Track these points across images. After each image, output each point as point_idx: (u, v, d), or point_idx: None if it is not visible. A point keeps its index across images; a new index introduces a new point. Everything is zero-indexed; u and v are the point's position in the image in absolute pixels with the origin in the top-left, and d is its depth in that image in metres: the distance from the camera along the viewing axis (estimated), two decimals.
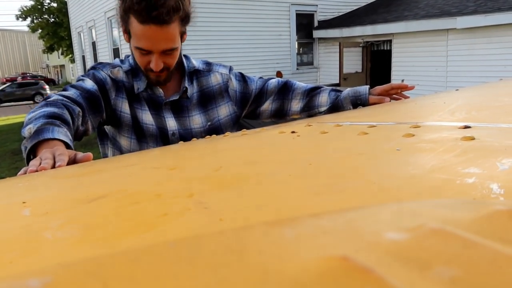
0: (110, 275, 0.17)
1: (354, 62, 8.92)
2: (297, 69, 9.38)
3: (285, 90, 1.23)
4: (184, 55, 1.16)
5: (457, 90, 1.26)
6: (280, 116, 1.26)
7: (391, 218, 0.22)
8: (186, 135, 1.13)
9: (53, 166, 0.66)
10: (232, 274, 0.16)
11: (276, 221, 0.22)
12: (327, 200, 0.33)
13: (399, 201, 0.30)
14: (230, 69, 1.23)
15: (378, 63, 9.47)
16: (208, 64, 1.21)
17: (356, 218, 0.22)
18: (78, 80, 1.06)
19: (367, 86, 1.18)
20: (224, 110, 1.18)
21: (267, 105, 1.23)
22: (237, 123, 1.23)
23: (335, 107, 1.19)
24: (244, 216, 0.30)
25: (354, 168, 0.43)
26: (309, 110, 1.22)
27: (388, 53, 8.25)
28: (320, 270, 0.16)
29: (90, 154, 0.72)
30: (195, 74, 1.17)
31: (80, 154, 0.72)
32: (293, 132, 0.70)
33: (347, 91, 1.19)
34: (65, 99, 0.94)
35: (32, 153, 0.77)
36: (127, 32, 1.00)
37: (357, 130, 0.64)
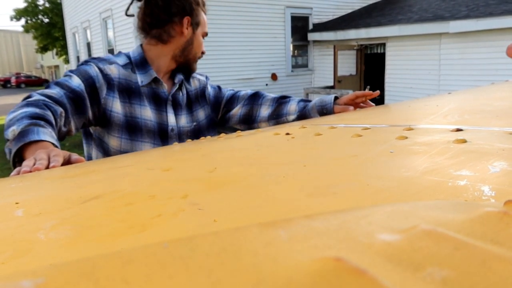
0: (103, 276, 0.17)
1: (348, 64, 8.96)
2: (292, 71, 9.40)
3: (255, 97, 1.29)
4: None
5: (450, 93, 1.27)
6: (249, 122, 1.29)
7: (384, 219, 0.22)
8: (178, 133, 1.17)
9: (47, 167, 0.65)
10: (226, 275, 0.16)
11: (270, 222, 0.22)
12: (321, 201, 0.33)
13: (392, 203, 0.31)
14: (206, 77, 1.33)
15: (372, 66, 9.53)
16: None
17: (349, 219, 0.22)
18: (65, 75, 1.02)
19: (333, 96, 1.22)
20: (202, 113, 1.25)
21: (237, 110, 1.28)
22: (214, 127, 1.29)
23: (302, 116, 1.22)
24: (238, 217, 0.31)
25: (348, 170, 0.43)
26: (278, 118, 1.25)
27: (382, 56, 8.31)
28: (313, 271, 0.16)
29: (82, 158, 0.72)
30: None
31: (74, 156, 0.72)
32: (287, 134, 0.71)
33: (315, 100, 1.24)
34: (46, 99, 0.90)
35: (18, 156, 0.75)
36: (192, 26, 1.13)
37: (351, 132, 0.64)
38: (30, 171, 0.63)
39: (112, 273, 0.17)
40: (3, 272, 0.24)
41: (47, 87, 0.98)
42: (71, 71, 1.04)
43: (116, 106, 1.06)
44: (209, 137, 0.94)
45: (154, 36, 1.12)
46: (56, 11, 18.81)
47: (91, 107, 1.02)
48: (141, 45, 1.15)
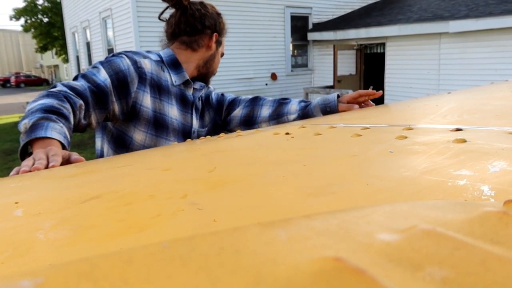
0: (102, 276, 0.17)
1: (348, 64, 8.96)
2: (291, 71, 9.40)
3: (256, 99, 1.32)
4: None
5: (449, 93, 1.27)
6: (250, 123, 1.30)
7: (384, 219, 0.22)
8: (197, 136, 1.21)
9: (47, 167, 0.65)
10: (226, 275, 0.16)
11: (269, 222, 0.22)
12: (320, 201, 0.33)
13: (391, 203, 0.31)
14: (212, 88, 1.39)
15: (371, 65, 9.53)
16: None
17: (349, 219, 0.22)
18: (93, 67, 1.02)
19: (336, 94, 1.23)
20: (208, 117, 1.29)
21: (238, 111, 1.30)
22: (218, 130, 1.31)
23: (304, 115, 1.23)
24: (237, 217, 0.31)
25: (347, 169, 0.43)
26: (279, 118, 1.26)
27: (382, 56, 8.31)
28: (313, 271, 0.16)
29: (82, 158, 0.72)
30: None
31: (74, 155, 0.72)
32: (287, 133, 0.71)
33: (317, 99, 1.25)
34: (69, 90, 0.91)
35: (26, 148, 0.77)
36: (217, 43, 1.21)
37: (351, 132, 0.64)
38: (30, 171, 0.63)
39: (112, 273, 0.17)
40: (2, 272, 0.24)
41: (75, 78, 0.99)
42: (101, 62, 1.04)
43: (146, 101, 1.07)
44: (208, 137, 0.94)
45: (184, 42, 1.17)
46: (55, 10, 18.80)
47: (118, 101, 1.02)
48: (169, 48, 1.19)
